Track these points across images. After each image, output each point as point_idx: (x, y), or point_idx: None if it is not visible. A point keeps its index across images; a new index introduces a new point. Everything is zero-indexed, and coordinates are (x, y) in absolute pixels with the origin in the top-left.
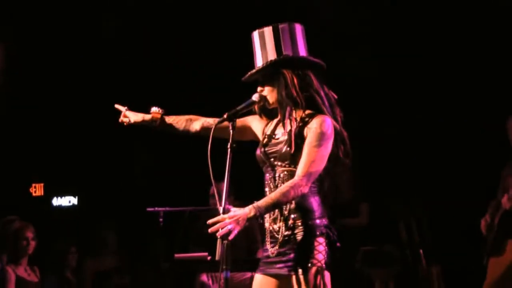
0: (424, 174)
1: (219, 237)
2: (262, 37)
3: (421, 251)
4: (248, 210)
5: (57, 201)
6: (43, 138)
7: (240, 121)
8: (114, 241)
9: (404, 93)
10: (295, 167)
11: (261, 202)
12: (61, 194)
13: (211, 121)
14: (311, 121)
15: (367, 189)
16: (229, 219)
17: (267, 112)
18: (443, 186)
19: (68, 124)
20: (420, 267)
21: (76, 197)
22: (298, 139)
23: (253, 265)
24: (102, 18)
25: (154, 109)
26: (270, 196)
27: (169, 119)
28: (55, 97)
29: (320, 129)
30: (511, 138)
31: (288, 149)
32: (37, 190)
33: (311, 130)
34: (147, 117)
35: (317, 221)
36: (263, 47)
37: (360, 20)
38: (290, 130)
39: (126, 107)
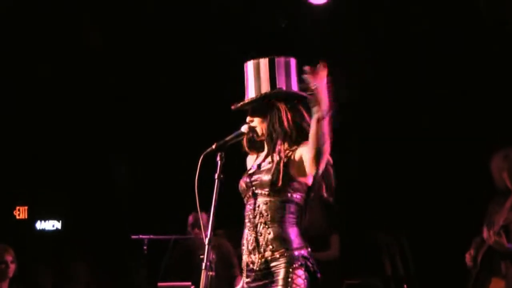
0: (409, 206)
1: (203, 268)
2: (257, 68)
3: (405, 285)
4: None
5: (40, 225)
6: (28, 160)
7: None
8: (86, 272)
9: (387, 120)
10: (275, 197)
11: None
12: (45, 218)
13: None
14: (297, 149)
15: (352, 221)
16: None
17: (255, 145)
18: (428, 220)
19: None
20: None
21: (60, 221)
22: (285, 169)
23: None
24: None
25: None
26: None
27: None
28: (40, 119)
29: None
30: (495, 177)
31: (269, 177)
32: (21, 213)
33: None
34: None
35: (296, 252)
36: (257, 78)
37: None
38: (279, 161)
39: None
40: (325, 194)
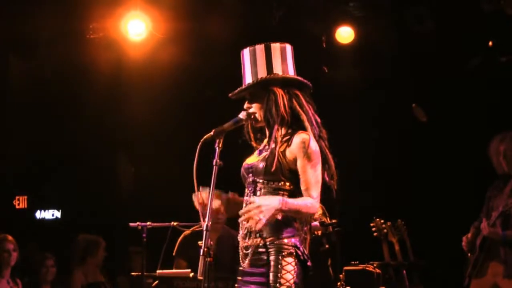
0: (408, 194)
1: (201, 255)
2: (253, 54)
3: (404, 271)
4: (278, 202)
5: (40, 214)
6: (28, 150)
7: None
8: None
9: (388, 111)
10: (269, 184)
11: (289, 200)
12: (45, 207)
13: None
14: (292, 139)
15: (350, 209)
16: (257, 209)
17: (258, 135)
18: (427, 207)
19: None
20: None
21: (60, 210)
22: (280, 157)
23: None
24: None
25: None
26: (297, 201)
27: None
28: (42, 110)
29: (310, 149)
30: (494, 161)
31: (264, 165)
32: (20, 202)
33: (299, 151)
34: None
35: (285, 240)
36: (254, 64)
37: None
38: (274, 148)
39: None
40: (326, 178)
